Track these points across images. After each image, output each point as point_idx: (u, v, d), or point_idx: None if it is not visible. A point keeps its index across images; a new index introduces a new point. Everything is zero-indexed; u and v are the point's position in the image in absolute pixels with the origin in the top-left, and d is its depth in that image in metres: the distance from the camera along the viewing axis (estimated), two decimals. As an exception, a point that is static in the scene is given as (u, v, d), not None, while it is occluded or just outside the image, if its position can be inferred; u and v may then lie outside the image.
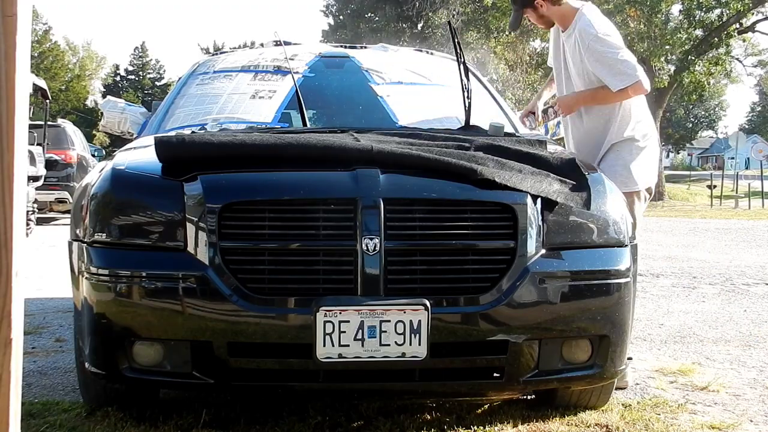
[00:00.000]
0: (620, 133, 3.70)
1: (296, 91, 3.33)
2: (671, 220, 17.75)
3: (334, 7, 42.67)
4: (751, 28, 29.44)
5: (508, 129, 3.55)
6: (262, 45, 4.52)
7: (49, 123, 12.66)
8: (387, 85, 3.79)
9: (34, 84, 10.56)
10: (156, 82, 62.41)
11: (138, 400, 2.88)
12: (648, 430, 2.86)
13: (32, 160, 10.52)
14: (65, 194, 13.37)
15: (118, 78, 63.03)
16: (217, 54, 4.48)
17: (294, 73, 3.60)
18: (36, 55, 47.02)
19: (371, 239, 2.38)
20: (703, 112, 75.77)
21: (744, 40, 30.85)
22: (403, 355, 2.38)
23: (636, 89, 3.62)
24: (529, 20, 3.94)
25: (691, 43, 25.52)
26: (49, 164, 12.21)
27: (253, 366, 2.47)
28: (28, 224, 10.45)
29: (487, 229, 2.50)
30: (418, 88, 3.90)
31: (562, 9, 3.77)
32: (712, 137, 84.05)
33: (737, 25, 26.71)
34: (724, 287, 6.84)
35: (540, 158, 2.71)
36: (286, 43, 4.09)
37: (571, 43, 3.74)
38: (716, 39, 25.79)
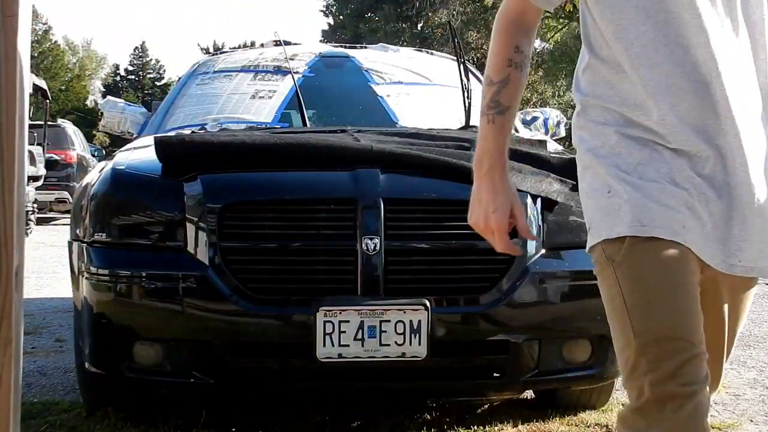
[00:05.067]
0: None
1: (296, 91, 3.34)
2: (671, 220, 17.71)
3: (334, 7, 42.63)
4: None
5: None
6: (262, 45, 4.52)
7: (49, 123, 12.65)
8: (387, 85, 3.79)
9: (34, 84, 10.54)
10: (156, 82, 62.25)
11: (138, 400, 2.88)
12: (648, 430, 2.85)
13: (32, 160, 10.51)
14: (65, 194, 13.36)
15: (118, 78, 62.87)
16: (217, 54, 4.49)
17: (294, 73, 3.60)
18: (36, 55, 46.91)
19: (371, 239, 2.38)
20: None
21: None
22: (403, 355, 2.38)
23: None
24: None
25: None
26: (49, 164, 12.19)
27: (253, 366, 2.47)
28: (28, 224, 10.45)
29: (487, 229, 2.49)
30: (418, 88, 3.90)
31: None
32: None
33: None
34: (724, 287, 6.82)
35: (540, 158, 2.70)
36: (286, 43, 4.09)
37: None
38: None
